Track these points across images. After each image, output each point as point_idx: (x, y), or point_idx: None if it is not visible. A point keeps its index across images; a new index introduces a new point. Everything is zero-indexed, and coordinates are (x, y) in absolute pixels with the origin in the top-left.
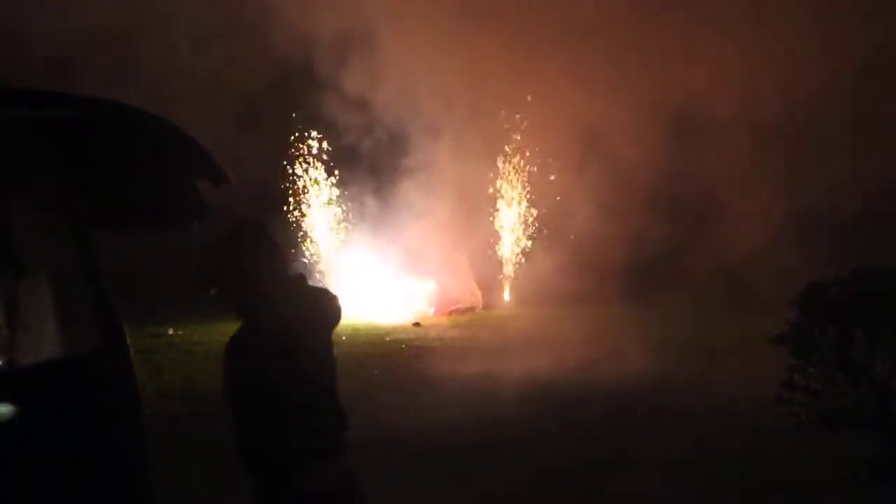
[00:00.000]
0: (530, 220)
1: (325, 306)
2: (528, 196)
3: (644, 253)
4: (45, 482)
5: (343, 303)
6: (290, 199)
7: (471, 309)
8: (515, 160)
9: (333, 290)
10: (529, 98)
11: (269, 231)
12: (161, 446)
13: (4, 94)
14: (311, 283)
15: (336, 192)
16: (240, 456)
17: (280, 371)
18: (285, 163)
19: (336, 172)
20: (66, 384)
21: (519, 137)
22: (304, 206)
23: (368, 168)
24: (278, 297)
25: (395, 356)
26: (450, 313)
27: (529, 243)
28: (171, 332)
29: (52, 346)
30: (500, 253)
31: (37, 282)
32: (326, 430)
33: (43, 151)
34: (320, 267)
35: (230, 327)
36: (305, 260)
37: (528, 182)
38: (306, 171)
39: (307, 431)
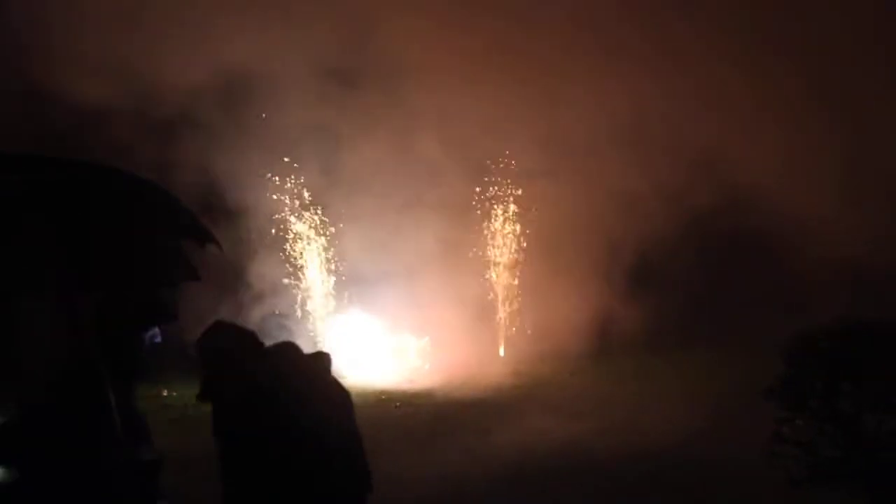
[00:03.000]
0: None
1: (319, 370)
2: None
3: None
4: None
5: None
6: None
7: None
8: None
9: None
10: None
11: (237, 325)
12: None
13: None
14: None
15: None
16: None
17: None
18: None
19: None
20: None
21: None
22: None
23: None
24: (263, 383)
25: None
26: None
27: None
28: (164, 393)
29: None
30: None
31: None
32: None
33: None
34: (312, 326)
35: None
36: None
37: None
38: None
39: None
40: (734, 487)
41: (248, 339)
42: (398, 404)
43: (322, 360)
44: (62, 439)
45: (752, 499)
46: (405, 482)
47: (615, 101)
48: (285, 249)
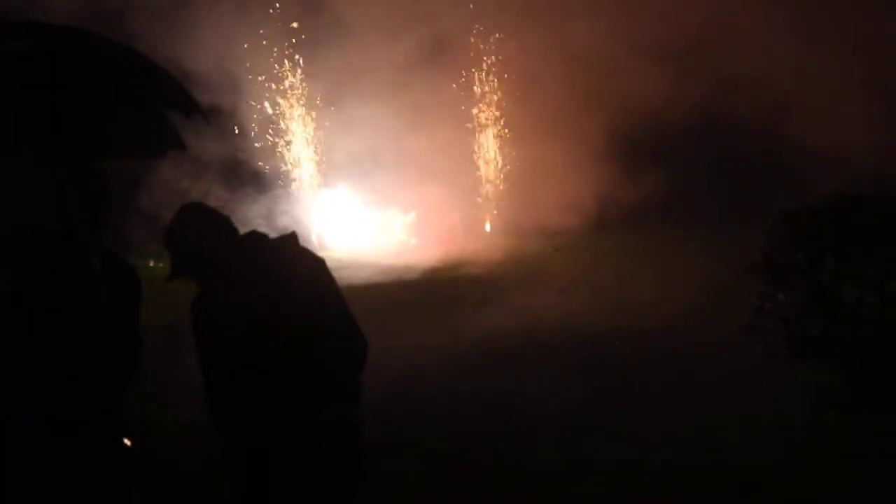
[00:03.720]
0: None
1: (309, 267)
2: (505, 130)
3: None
4: None
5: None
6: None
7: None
8: (490, 83)
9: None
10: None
11: (209, 208)
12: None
13: None
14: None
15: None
16: (206, 405)
17: (237, 334)
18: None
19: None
20: None
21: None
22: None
23: (346, 103)
24: (236, 268)
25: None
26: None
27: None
28: (151, 264)
29: None
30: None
31: None
32: (307, 382)
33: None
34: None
35: None
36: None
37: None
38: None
39: (282, 385)
40: (714, 362)
41: (220, 223)
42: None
43: (292, 239)
44: (51, 317)
45: (731, 373)
46: (393, 352)
47: None
48: (273, 122)
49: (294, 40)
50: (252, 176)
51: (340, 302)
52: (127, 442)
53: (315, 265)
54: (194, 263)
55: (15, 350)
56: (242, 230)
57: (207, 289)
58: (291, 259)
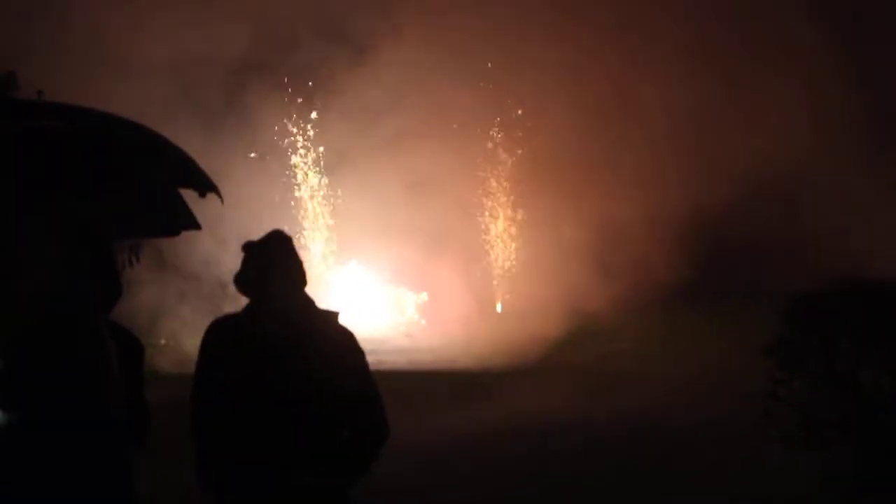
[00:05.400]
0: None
1: (332, 334)
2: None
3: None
4: None
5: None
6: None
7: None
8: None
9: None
10: (520, 112)
11: (292, 244)
12: None
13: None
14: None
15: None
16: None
17: (248, 368)
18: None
19: (327, 181)
20: None
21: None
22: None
23: (360, 177)
24: (282, 304)
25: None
26: None
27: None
28: (163, 342)
29: None
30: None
31: None
32: (286, 444)
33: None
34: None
35: None
36: None
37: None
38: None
39: (261, 438)
40: (727, 447)
41: (300, 265)
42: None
43: (334, 315)
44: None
45: (744, 458)
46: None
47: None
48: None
49: (309, 126)
50: None
51: (366, 382)
52: None
53: (350, 346)
54: (256, 281)
55: (31, 401)
56: None
57: (241, 315)
58: (326, 329)
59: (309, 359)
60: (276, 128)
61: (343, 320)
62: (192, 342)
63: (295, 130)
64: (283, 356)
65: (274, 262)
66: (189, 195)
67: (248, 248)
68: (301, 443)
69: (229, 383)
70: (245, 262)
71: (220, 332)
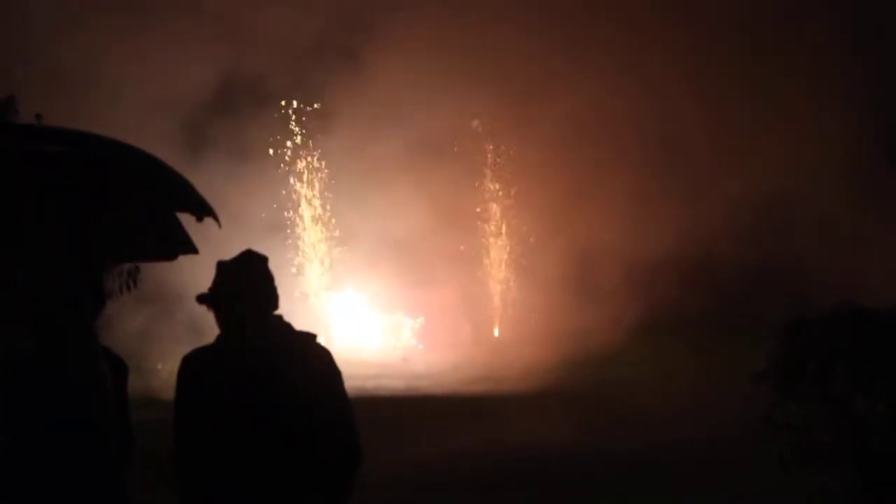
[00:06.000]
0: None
1: (310, 357)
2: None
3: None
4: None
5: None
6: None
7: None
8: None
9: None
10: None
11: (267, 265)
12: None
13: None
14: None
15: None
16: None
17: (227, 397)
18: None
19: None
20: None
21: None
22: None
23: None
24: (254, 329)
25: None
26: None
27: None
28: (159, 367)
29: None
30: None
31: None
32: (261, 473)
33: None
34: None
35: None
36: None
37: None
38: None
39: (236, 468)
40: (723, 470)
41: (273, 289)
42: None
43: (312, 337)
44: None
45: (741, 480)
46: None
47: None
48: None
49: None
50: None
51: (343, 403)
52: None
53: (327, 369)
54: (226, 304)
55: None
56: None
57: (215, 345)
58: (304, 352)
59: (288, 384)
60: (271, 151)
61: (338, 346)
62: None
63: (299, 163)
64: (263, 383)
65: (246, 281)
66: (186, 219)
67: (221, 266)
68: (283, 467)
69: (209, 413)
70: (216, 280)
71: (196, 363)
